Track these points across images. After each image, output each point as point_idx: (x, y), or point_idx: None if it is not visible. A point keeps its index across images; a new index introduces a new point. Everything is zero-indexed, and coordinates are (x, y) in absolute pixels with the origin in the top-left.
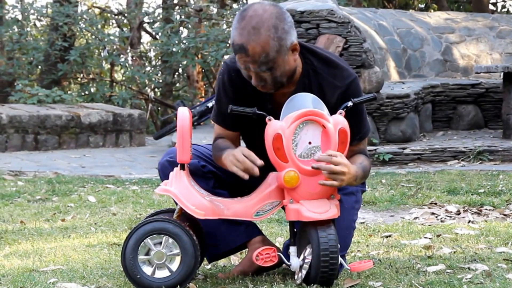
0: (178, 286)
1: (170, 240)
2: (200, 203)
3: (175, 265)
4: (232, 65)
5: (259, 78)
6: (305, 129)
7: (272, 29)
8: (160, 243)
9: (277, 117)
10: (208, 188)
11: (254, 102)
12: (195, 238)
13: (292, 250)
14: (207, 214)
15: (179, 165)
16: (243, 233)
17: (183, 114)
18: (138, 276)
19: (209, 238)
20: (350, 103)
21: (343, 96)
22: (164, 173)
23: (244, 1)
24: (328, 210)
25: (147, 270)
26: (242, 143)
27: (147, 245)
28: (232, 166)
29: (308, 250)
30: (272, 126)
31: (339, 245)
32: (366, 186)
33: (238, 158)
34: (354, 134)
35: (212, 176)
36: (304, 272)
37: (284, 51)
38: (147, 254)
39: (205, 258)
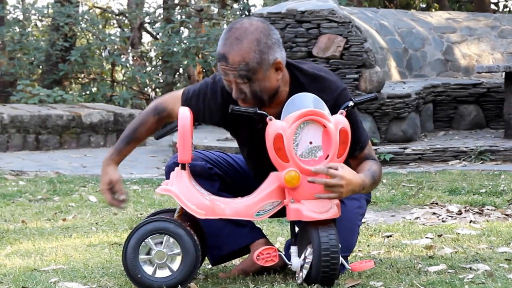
0: (179, 285)
1: (171, 239)
2: (201, 203)
3: (176, 265)
4: (222, 84)
5: (239, 90)
6: (306, 129)
7: (254, 41)
8: (161, 242)
9: (263, 138)
10: (213, 191)
11: (244, 120)
12: (196, 238)
13: (293, 250)
14: (207, 213)
15: (180, 165)
16: (246, 235)
17: (184, 114)
18: (139, 276)
19: (212, 240)
20: (351, 103)
21: (333, 108)
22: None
23: (245, 1)
24: (329, 210)
25: (148, 269)
26: (231, 143)
27: (148, 244)
28: (100, 187)
29: (309, 250)
30: (273, 126)
31: (341, 246)
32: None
33: (102, 187)
34: (353, 144)
35: (218, 178)
36: (305, 272)
37: (266, 65)
38: (148, 253)
39: (206, 259)
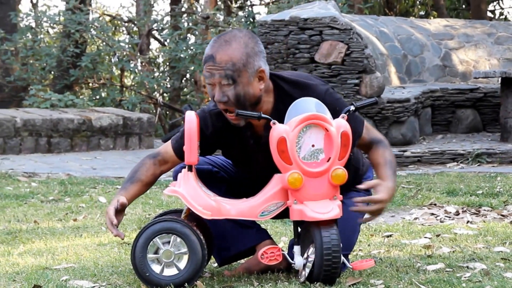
0: (186, 283)
1: (178, 239)
2: (207, 204)
3: (183, 264)
4: (210, 109)
5: (222, 92)
6: (309, 132)
7: (242, 44)
8: (169, 242)
9: (255, 149)
10: (219, 194)
11: (236, 139)
12: (202, 237)
13: (296, 249)
14: (213, 214)
15: (186, 167)
16: (253, 236)
17: (191, 117)
18: (147, 274)
19: (219, 241)
20: (352, 107)
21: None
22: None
23: (250, 9)
24: (331, 210)
25: (156, 268)
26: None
27: (156, 244)
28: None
29: (312, 249)
30: (277, 130)
31: (342, 245)
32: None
33: (106, 218)
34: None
35: (224, 182)
36: (307, 270)
37: (251, 70)
38: (156, 252)
39: (212, 257)
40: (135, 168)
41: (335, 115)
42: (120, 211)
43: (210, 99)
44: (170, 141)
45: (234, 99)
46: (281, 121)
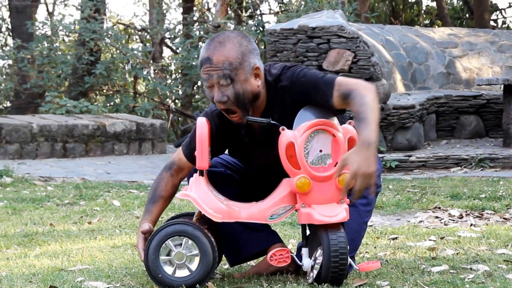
0: (197, 285)
1: (190, 241)
2: (218, 207)
3: (194, 265)
4: (212, 110)
5: (221, 92)
6: (316, 137)
7: (237, 43)
8: (181, 244)
9: (253, 147)
10: (232, 196)
11: (235, 138)
12: (213, 240)
13: (304, 251)
14: (224, 217)
15: (198, 171)
16: (264, 239)
17: (201, 123)
18: (160, 276)
19: (231, 244)
20: None
21: (303, 94)
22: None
23: (259, 18)
24: (338, 214)
25: (168, 269)
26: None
27: (168, 246)
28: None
29: (319, 251)
30: (286, 135)
31: (348, 246)
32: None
33: (137, 249)
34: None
35: (236, 184)
36: (315, 272)
37: (247, 68)
38: (168, 254)
39: (224, 259)
40: (154, 185)
41: (309, 95)
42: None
43: (210, 101)
44: (181, 148)
45: (234, 98)
46: (272, 114)
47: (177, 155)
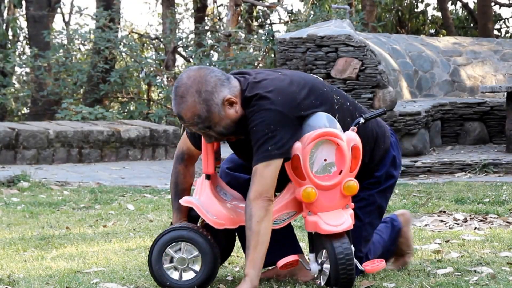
0: (207, 282)
1: (187, 245)
2: (221, 213)
3: (197, 266)
4: None
5: (206, 136)
6: (321, 148)
7: (195, 94)
8: (180, 249)
9: (239, 146)
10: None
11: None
12: (209, 237)
13: (311, 256)
14: (226, 224)
15: (204, 175)
16: (277, 252)
17: None
18: (168, 283)
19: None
20: (362, 120)
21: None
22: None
23: (269, 27)
24: (343, 222)
25: (175, 275)
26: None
27: (169, 253)
28: None
29: (324, 253)
30: None
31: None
32: (399, 172)
33: None
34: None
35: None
36: (325, 277)
37: (217, 109)
38: (171, 261)
39: (232, 258)
40: (173, 179)
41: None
42: None
43: None
44: (185, 135)
45: (219, 135)
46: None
47: (184, 143)
